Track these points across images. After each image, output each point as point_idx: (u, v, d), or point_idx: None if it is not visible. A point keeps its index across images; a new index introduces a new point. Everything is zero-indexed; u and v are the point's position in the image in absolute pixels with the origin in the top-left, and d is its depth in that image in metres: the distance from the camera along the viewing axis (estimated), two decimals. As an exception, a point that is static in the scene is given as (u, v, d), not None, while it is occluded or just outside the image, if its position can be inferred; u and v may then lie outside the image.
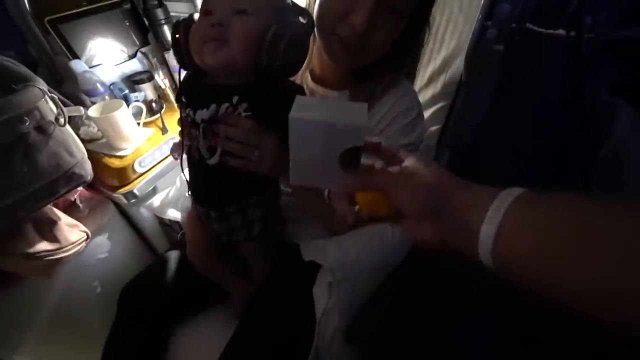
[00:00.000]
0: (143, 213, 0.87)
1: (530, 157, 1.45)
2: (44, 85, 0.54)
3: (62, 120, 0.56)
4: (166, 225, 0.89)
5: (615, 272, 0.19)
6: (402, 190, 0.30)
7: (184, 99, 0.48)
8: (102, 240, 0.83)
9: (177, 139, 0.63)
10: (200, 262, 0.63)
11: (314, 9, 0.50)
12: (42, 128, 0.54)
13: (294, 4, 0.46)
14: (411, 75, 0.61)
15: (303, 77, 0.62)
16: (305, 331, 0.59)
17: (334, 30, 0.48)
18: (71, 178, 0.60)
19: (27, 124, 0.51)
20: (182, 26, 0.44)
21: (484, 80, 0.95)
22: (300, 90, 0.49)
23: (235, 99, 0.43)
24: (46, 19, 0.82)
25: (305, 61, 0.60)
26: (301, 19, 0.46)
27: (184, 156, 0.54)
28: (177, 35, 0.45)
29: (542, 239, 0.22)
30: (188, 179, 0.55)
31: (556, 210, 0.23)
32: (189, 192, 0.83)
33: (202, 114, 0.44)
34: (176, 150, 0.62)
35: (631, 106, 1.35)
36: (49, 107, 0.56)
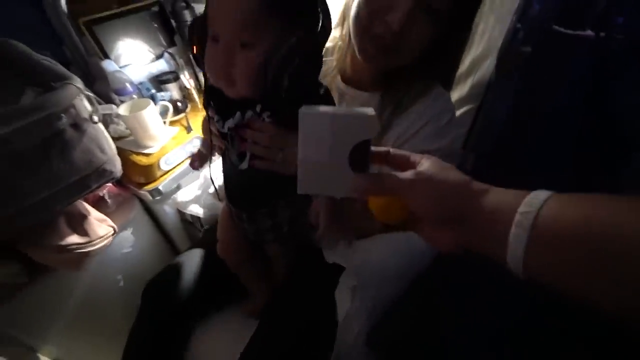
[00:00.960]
0: (166, 210, 0.88)
1: (556, 159, 1.39)
2: (80, 84, 0.55)
3: (96, 117, 0.58)
4: (188, 223, 0.91)
5: None
6: (419, 195, 0.28)
7: (213, 105, 0.49)
8: (127, 235, 0.85)
9: (196, 148, 0.64)
10: (230, 258, 0.63)
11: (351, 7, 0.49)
12: (77, 125, 0.56)
13: (305, 13, 0.42)
14: (449, 83, 0.59)
15: (333, 78, 0.61)
16: (326, 335, 0.58)
17: (369, 29, 0.47)
18: (102, 174, 0.62)
19: (64, 120, 0.53)
20: (196, 39, 0.44)
21: (512, 81, 0.92)
22: (322, 95, 0.47)
23: (258, 107, 0.44)
24: (81, 20, 0.85)
25: (336, 61, 0.60)
26: (315, 29, 0.42)
27: (218, 159, 0.55)
28: (195, 51, 0.45)
29: (579, 241, 0.21)
30: (214, 180, 0.56)
31: (591, 211, 0.22)
32: (212, 190, 0.84)
33: (229, 123, 0.45)
34: (196, 159, 0.63)
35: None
36: (84, 105, 0.58)
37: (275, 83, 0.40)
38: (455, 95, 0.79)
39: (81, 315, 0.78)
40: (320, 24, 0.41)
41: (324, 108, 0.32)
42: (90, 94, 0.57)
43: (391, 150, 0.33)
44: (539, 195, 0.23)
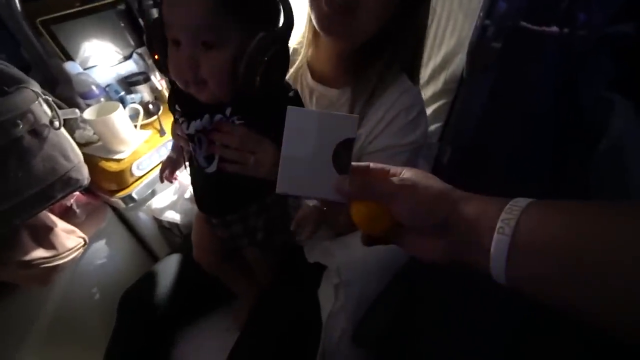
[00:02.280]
0: (141, 217, 0.85)
1: (529, 152, 1.45)
2: (37, 88, 0.52)
3: (57, 123, 0.54)
4: (165, 229, 0.88)
5: None
6: (405, 200, 0.28)
7: (178, 108, 0.47)
8: (100, 245, 0.81)
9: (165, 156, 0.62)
10: (207, 263, 0.62)
11: None
12: (37, 131, 0.52)
13: (264, 9, 0.41)
14: (415, 72, 0.59)
15: (302, 75, 0.61)
16: (311, 334, 0.58)
17: None
18: (67, 183, 0.58)
19: (21, 127, 0.50)
20: (155, 46, 0.43)
21: (484, 77, 0.95)
22: (292, 97, 0.46)
23: (227, 110, 0.43)
24: (38, 20, 0.80)
25: (302, 56, 0.59)
26: (276, 25, 0.43)
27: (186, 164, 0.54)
28: (156, 57, 0.43)
29: (562, 248, 0.21)
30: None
31: (571, 217, 0.22)
32: (188, 195, 0.82)
33: (196, 125, 0.44)
34: (165, 168, 0.62)
35: (629, 101, 1.36)
36: (43, 109, 0.54)
37: (246, 83, 0.40)
38: (430, 90, 0.81)
39: (55, 332, 0.74)
40: (283, 19, 0.41)
41: (309, 109, 0.32)
42: (50, 98, 0.53)
43: (371, 164, 0.32)
44: (519, 202, 0.24)
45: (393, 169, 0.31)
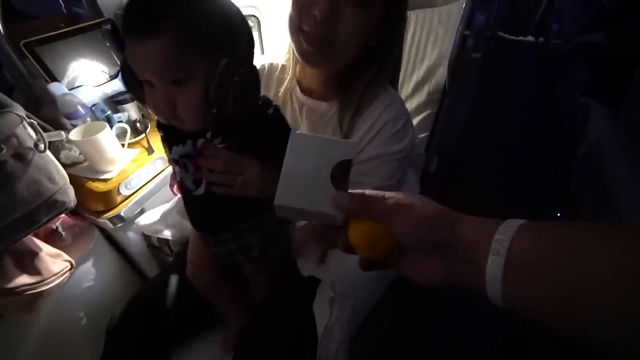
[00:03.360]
0: (130, 236, 0.83)
1: (511, 157, 1.50)
2: (21, 111, 0.51)
3: (42, 146, 0.54)
4: (155, 248, 0.86)
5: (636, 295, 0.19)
6: (403, 219, 0.28)
7: (161, 133, 0.48)
8: (87, 268, 0.79)
9: (159, 169, 0.62)
10: (201, 281, 0.61)
11: None
12: (21, 155, 0.51)
13: (224, 36, 0.41)
14: (395, 83, 0.61)
15: (292, 90, 0.62)
16: (307, 349, 0.57)
17: (299, 26, 0.48)
18: (53, 205, 0.57)
19: (4, 151, 0.49)
20: (132, 89, 0.44)
21: (466, 87, 0.98)
22: (271, 114, 0.47)
23: (208, 134, 0.44)
24: (22, 42, 0.79)
25: (290, 73, 0.61)
26: (239, 49, 0.43)
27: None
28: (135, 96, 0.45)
29: (556, 268, 0.21)
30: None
31: (564, 238, 0.22)
32: (180, 209, 0.81)
33: (179, 151, 0.45)
34: (173, 182, 0.62)
35: (603, 106, 1.43)
36: (27, 132, 0.53)
37: (220, 110, 0.40)
38: (415, 102, 0.83)
39: (41, 357, 0.70)
40: (242, 41, 0.42)
41: (312, 134, 0.34)
42: (35, 121, 0.53)
43: (366, 191, 0.33)
44: (512, 223, 0.24)
45: (388, 193, 0.31)
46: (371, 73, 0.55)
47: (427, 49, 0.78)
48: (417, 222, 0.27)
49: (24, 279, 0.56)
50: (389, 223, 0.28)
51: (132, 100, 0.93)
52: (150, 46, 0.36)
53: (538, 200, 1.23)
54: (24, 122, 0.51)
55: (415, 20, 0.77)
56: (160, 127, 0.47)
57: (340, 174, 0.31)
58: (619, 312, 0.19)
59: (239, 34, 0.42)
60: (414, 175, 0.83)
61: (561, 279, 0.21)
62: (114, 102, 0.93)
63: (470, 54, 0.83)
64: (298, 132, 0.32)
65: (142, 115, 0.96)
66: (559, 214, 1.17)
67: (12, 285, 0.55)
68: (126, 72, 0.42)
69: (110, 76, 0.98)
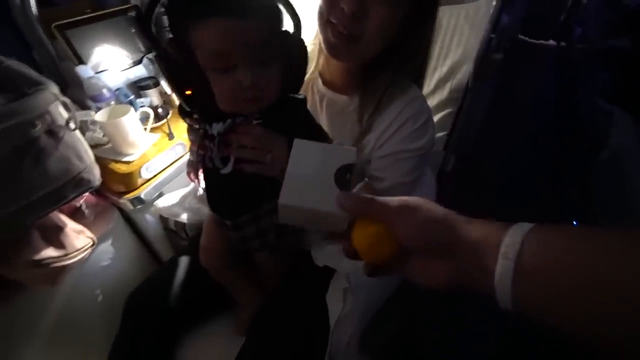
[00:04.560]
0: (148, 219, 0.85)
1: (529, 161, 1.47)
2: (56, 89, 0.53)
3: (72, 124, 0.55)
4: (171, 231, 0.88)
5: None
6: (408, 221, 0.28)
7: (195, 116, 0.48)
8: (106, 247, 0.81)
9: (178, 155, 0.63)
10: (214, 267, 0.62)
11: None
12: (53, 132, 0.53)
13: (295, 16, 0.44)
14: (420, 82, 0.60)
15: (313, 81, 0.62)
16: (319, 339, 0.58)
17: (327, 18, 0.48)
18: (80, 183, 0.59)
19: (38, 127, 0.51)
20: (186, 81, 0.42)
21: (487, 87, 0.97)
22: (302, 98, 0.49)
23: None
24: (54, 24, 0.81)
25: (313, 63, 0.61)
26: (294, 32, 0.45)
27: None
28: (189, 92, 0.43)
29: (566, 272, 0.21)
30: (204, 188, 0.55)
31: (573, 241, 0.22)
32: (200, 193, 0.83)
33: (218, 127, 0.45)
34: (190, 169, 0.63)
35: (627, 114, 1.39)
36: (60, 111, 0.55)
37: (285, 88, 0.43)
38: (435, 99, 0.83)
39: (58, 334, 0.73)
40: (293, 19, 0.44)
41: (314, 142, 0.35)
42: (67, 100, 0.54)
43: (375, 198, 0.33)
44: (522, 227, 0.24)
45: (391, 199, 0.30)
46: (395, 70, 0.55)
47: (451, 46, 0.77)
48: (422, 224, 0.27)
49: (49, 252, 0.58)
50: (393, 225, 0.28)
51: (154, 86, 0.95)
52: (252, 24, 0.37)
53: (554, 206, 1.21)
54: (58, 101, 0.53)
55: (441, 16, 0.76)
56: (195, 107, 0.47)
57: (343, 177, 0.32)
58: (632, 317, 0.19)
59: (298, 16, 0.44)
60: (432, 173, 0.83)
61: (572, 284, 0.21)
62: (137, 87, 0.95)
63: (493, 54, 0.82)
64: (301, 140, 0.34)
65: (164, 101, 0.98)
66: (575, 222, 1.15)
67: (38, 257, 0.57)
68: (183, 68, 0.40)
69: (134, 62, 1.00)
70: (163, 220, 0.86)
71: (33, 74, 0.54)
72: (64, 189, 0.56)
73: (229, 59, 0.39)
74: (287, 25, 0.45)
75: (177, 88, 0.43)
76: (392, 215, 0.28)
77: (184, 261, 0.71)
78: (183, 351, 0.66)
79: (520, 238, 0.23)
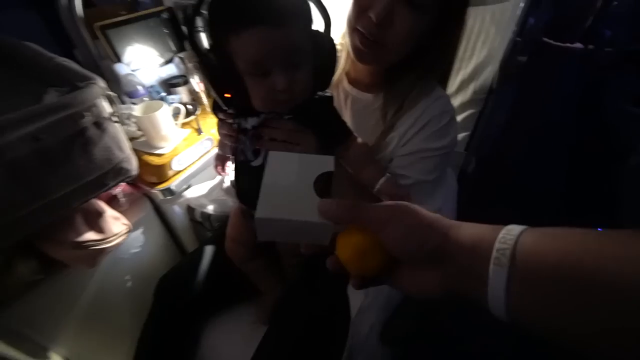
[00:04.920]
0: (175, 210, 0.89)
1: (552, 164, 1.44)
2: (103, 84, 0.57)
3: (116, 117, 0.60)
4: (197, 223, 0.92)
5: None
6: (396, 226, 0.26)
7: (230, 111, 0.51)
8: (137, 235, 0.86)
9: (206, 149, 0.66)
10: (239, 256, 0.65)
11: None
12: (99, 123, 0.58)
13: (328, 18, 0.48)
14: (444, 82, 0.61)
15: (339, 79, 0.64)
16: (339, 329, 0.59)
17: (356, 25, 0.50)
18: (119, 172, 0.63)
19: (87, 119, 0.55)
20: (227, 87, 0.45)
21: (511, 89, 0.96)
22: (330, 96, 0.52)
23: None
24: (97, 24, 0.87)
25: (342, 64, 0.63)
26: (324, 32, 0.48)
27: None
28: (228, 95, 0.46)
29: (556, 275, 0.20)
30: (234, 180, 0.58)
31: (567, 244, 0.21)
32: (226, 185, 0.86)
33: (252, 122, 0.49)
34: (217, 162, 0.67)
35: (656, 118, 1.34)
36: (104, 104, 0.59)
37: (315, 86, 0.46)
38: (458, 100, 0.83)
39: (90, 314, 0.78)
40: (324, 18, 0.46)
41: (289, 153, 0.35)
42: (112, 94, 0.59)
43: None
44: (512, 230, 0.23)
45: (377, 204, 0.29)
46: (421, 71, 0.56)
47: (476, 47, 0.78)
48: (410, 229, 0.26)
49: (90, 235, 0.63)
50: (381, 232, 0.27)
51: (184, 84, 1.00)
52: (285, 32, 0.39)
53: (577, 211, 1.18)
54: (105, 94, 0.57)
55: (467, 18, 0.77)
56: (232, 103, 0.50)
57: (323, 186, 0.31)
58: (633, 326, 0.17)
59: (329, 16, 0.47)
60: (452, 173, 0.83)
61: (570, 290, 0.19)
62: (168, 85, 1.00)
63: (517, 56, 0.82)
64: (275, 152, 0.33)
65: (192, 98, 1.02)
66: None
67: (81, 239, 0.61)
68: (224, 77, 0.44)
69: (165, 61, 1.05)
70: (189, 211, 0.90)
71: (83, 69, 0.59)
72: (106, 176, 0.61)
73: (264, 65, 0.42)
74: (317, 24, 0.47)
75: (217, 90, 0.46)
76: (380, 221, 0.27)
77: (210, 250, 0.74)
78: (208, 335, 0.69)
79: (512, 242, 0.22)
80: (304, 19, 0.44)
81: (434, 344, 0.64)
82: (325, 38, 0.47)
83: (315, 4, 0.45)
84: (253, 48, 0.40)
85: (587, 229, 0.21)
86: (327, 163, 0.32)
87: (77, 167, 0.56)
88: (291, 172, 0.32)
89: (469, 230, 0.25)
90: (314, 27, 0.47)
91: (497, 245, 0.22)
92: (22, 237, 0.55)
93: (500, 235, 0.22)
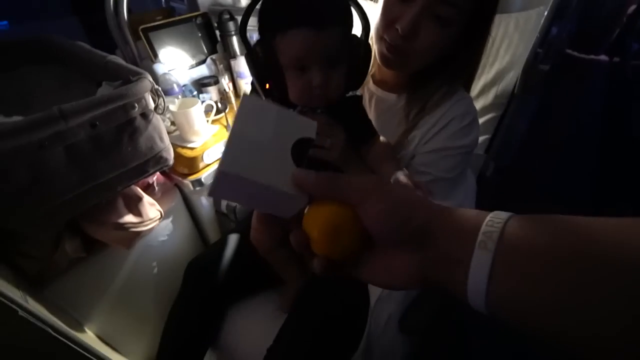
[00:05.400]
0: (203, 202, 0.94)
1: (573, 174, 1.42)
2: (150, 79, 0.63)
3: (160, 109, 0.65)
4: (222, 214, 0.96)
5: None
6: (379, 200, 0.24)
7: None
8: (166, 223, 0.91)
9: None
10: (264, 246, 0.68)
11: None
12: (145, 114, 0.63)
13: (359, 16, 0.51)
14: (467, 86, 0.63)
15: (365, 81, 0.68)
16: (359, 318, 0.61)
17: (383, 35, 0.53)
18: (159, 160, 0.68)
19: (136, 109, 0.60)
20: (270, 79, 0.50)
21: (533, 97, 0.97)
22: (359, 97, 0.56)
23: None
24: (140, 27, 0.94)
25: (370, 67, 0.67)
26: (362, 36, 0.51)
27: None
28: (268, 86, 0.51)
29: (555, 267, 0.18)
30: None
31: (554, 230, 0.19)
32: None
33: None
34: None
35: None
36: (151, 97, 0.65)
37: (354, 84, 0.50)
38: (480, 103, 0.85)
39: (121, 296, 0.83)
40: (363, 22, 0.50)
41: (268, 101, 0.31)
42: (158, 88, 0.64)
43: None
44: (500, 214, 0.21)
45: (361, 177, 0.26)
46: (445, 76, 0.58)
47: (499, 52, 0.80)
48: (396, 203, 0.24)
49: (129, 218, 0.68)
50: (361, 205, 0.24)
51: (214, 84, 1.06)
52: (326, 33, 0.43)
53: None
54: (152, 88, 0.62)
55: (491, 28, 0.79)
56: (268, 94, 0.54)
57: (301, 150, 0.27)
58: (627, 321, 0.16)
59: (368, 22, 0.51)
60: (472, 175, 0.85)
61: (558, 280, 0.18)
62: (200, 84, 1.07)
63: (539, 65, 0.83)
64: (251, 96, 0.28)
65: (221, 97, 1.08)
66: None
67: (121, 220, 0.67)
68: (267, 70, 0.48)
69: (197, 62, 1.12)
70: (215, 203, 0.95)
71: (132, 66, 0.65)
72: (148, 164, 0.66)
73: (303, 61, 0.46)
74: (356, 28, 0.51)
75: (259, 80, 0.50)
76: (363, 191, 0.24)
77: (234, 240, 0.78)
78: (230, 320, 0.73)
79: (499, 226, 0.20)
80: (345, 23, 0.48)
81: (452, 334, 0.65)
82: (362, 43, 0.51)
83: (357, 11, 0.49)
84: (296, 45, 0.44)
85: (589, 217, 0.19)
86: (309, 128, 0.28)
87: (124, 153, 0.61)
88: (266, 127, 0.26)
89: (456, 213, 0.23)
90: (354, 31, 0.51)
91: (483, 228, 0.21)
92: (72, 216, 0.61)
93: (488, 218, 0.21)
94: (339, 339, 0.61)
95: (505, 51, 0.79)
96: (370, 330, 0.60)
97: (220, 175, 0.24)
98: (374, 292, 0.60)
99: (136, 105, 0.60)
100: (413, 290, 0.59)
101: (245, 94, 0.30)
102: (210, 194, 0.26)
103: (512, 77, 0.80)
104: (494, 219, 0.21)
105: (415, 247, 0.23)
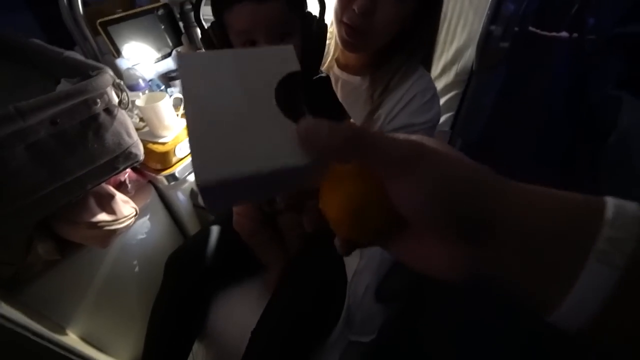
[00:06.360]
0: (179, 196, 0.94)
1: (538, 149, 1.51)
2: (111, 73, 0.62)
3: (124, 103, 0.64)
4: (200, 208, 0.97)
5: None
6: (419, 179, 0.16)
7: None
8: (143, 221, 0.90)
9: None
10: (246, 230, 0.70)
11: None
12: (109, 110, 0.62)
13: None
14: (428, 64, 0.66)
15: (330, 65, 0.70)
16: (338, 291, 0.65)
17: (341, 17, 0.55)
18: (128, 156, 0.68)
19: (99, 105, 0.59)
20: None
21: (492, 74, 1.02)
22: (324, 76, 0.56)
23: None
24: (98, 21, 0.91)
25: (332, 52, 0.68)
26: (317, 15, 0.52)
27: None
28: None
29: None
30: None
31: None
32: None
33: None
34: None
35: (636, 98, 1.41)
36: (114, 92, 0.64)
37: (306, 63, 0.49)
38: (442, 82, 0.89)
39: (102, 297, 0.82)
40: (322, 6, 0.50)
41: (215, 50, 0.23)
42: (121, 82, 0.63)
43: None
44: (628, 208, 0.15)
45: (396, 136, 0.18)
46: (405, 54, 0.61)
47: (457, 31, 0.83)
48: (441, 185, 0.16)
49: (103, 216, 0.67)
50: (394, 181, 0.17)
51: (182, 77, 1.05)
52: (268, 5, 0.44)
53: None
54: (114, 83, 0.62)
55: (447, 2, 0.82)
56: None
57: (292, 98, 0.20)
58: None
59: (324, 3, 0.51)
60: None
61: None
62: (167, 78, 1.05)
63: (499, 43, 0.87)
64: (188, 53, 0.20)
65: (191, 91, 1.07)
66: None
67: (94, 219, 0.66)
68: (218, 39, 0.49)
69: (162, 55, 1.10)
70: (193, 196, 0.95)
71: (91, 61, 0.64)
72: (117, 160, 0.65)
73: (251, 35, 0.47)
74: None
75: None
76: (402, 162, 0.16)
77: (216, 229, 0.79)
78: (217, 306, 0.74)
79: (636, 230, 0.14)
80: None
81: (430, 299, 0.69)
82: (316, 20, 0.51)
83: None
84: (241, 19, 0.45)
85: None
86: (287, 56, 0.20)
87: (91, 150, 0.60)
88: (229, 86, 0.19)
89: (544, 197, 0.16)
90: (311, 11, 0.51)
91: (606, 231, 0.14)
92: (42, 217, 0.60)
93: (609, 214, 0.14)
94: (320, 314, 0.64)
95: (462, 29, 0.82)
96: (350, 302, 0.63)
97: (202, 191, 0.17)
98: (350, 267, 0.63)
99: (98, 100, 0.59)
100: (387, 262, 0.63)
101: (179, 53, 0.22)
102: (209, 212, 0.19)
103: (470, 55, 0.84)
104: (623, 215, 0.14)
105: (470, 238, 0.17)
